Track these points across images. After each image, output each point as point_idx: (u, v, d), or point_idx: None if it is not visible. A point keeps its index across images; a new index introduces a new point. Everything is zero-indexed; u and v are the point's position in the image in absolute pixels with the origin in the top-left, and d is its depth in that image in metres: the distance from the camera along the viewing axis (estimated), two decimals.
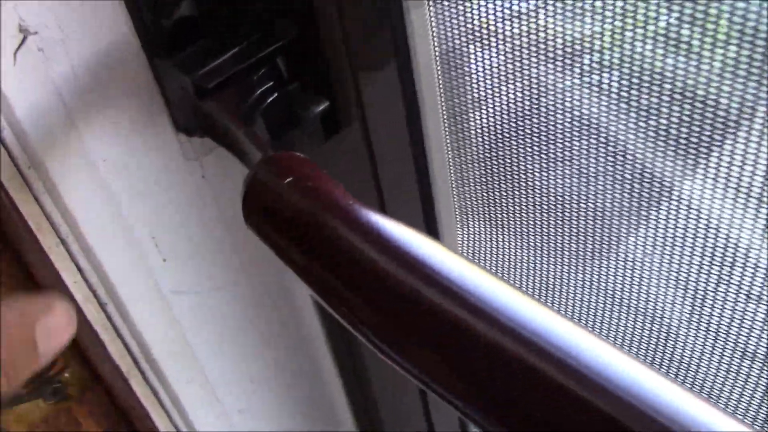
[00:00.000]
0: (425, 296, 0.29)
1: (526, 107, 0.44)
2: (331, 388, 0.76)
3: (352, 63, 0.44)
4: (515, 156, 0.47)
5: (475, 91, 0.46)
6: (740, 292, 0.40)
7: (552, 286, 0.52)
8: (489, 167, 0.49)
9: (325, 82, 0.46)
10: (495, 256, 0.55)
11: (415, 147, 0.50)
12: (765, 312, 0.40)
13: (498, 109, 0.46)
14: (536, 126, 0.44)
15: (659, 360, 0.49)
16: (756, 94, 0.32)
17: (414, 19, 0.44)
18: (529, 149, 0.46)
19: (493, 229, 0.53)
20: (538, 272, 0.53)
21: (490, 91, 0.45)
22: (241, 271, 0.61)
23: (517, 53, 0.42)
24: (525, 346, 0.27)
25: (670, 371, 0.48)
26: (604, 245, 0.46)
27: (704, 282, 0.42)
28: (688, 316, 0.44)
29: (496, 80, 0.44)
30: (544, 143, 0.44)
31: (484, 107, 0.47)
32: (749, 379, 0.44)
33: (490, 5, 0.41)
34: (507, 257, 0.54)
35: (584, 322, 0.52)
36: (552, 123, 0.43)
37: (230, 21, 0.46)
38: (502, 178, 0.49)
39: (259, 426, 0.73)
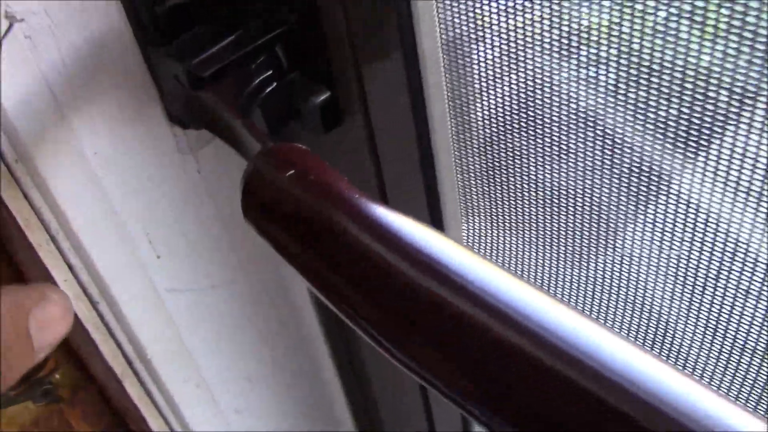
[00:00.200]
0: (440, 295, 0.28)
1: (535, 99, 0.43)
2: (330, 387, 0.76)
3: (355, 51, 0.43)
4: (523, 149, 0.46)
5: (482, 81, 0.45)
6: (740, 287, 0.40)
7: (558, 280, 0.52)
8: (495, 160, 0.48)
9: (326, 71, 0.44)
10: (500, 250, 0.54)
11: (420, 140, 0.48)
12: (764, 307, 0.39)
13: (505, 100, 0.45)
14: (544, 118, 0.43)
15: (666, 356, 0.48)
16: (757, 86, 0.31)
17: (420, 5, 0.43)
18: (537, 142, 0.44)
19: (499, 223, 0.53)
20: (544, 266, 0.52)
21: (497, 82, 0.44)
22: (238, 269, 0.60)
23: (528, 42, 0.40)
24: (541, 345, 0.26)
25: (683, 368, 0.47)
26: (611, 240, 0.46)
27: (714, 279, 0.41)
28: (696, 312, 0.44)
29: (505, 71, 0.43)
30: (552, 136, 0.43)
31: (491, 99, 0.45)
32: (748, 374, 0.43)
33: None
34: (512, 252, 0.53)
35: (592, 316, 0.51)
36: (560, 115, 0.42)
37: (227, 7, 0.44)
38: (509, 171, 0.48)
39: (257, 426, 0.72)
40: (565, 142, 0.43)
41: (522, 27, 0.40)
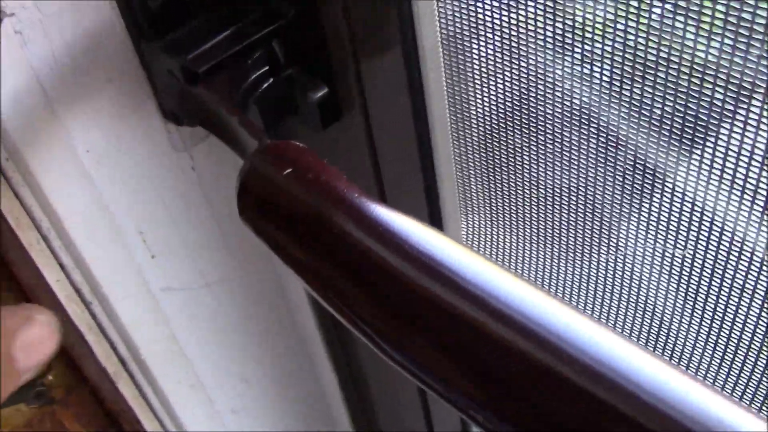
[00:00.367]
0: (440, 295, 0.28)
1: (535, 95, 0.42)
2: (327, 387, 0.75)
3: (353, 46, 0.42)
4: (522, 146, 0.45)
5: (482, 78, 0.44)
6: (735, 282, 0.40)
7: (557, 278, 0.52)
8: (495, 157, 0.48)
9: (324, 66, 0.43)
10: (500, 248, 0.54)
11: (419, 137, 0.48)
12: (760, 303, 0.39)
13: (505, 97, 0.44)
14: (544, 115, 0.43)
15: (666, 356, 0.48)
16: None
17: (420, 2, 0.42)
18: (537, 139, 0.44)
19: (498, 220, 0.52)
20: (544, 263, 0.52)
21: (497, 79, 0.44)
22: (233, 267, 0.59)
23: (529, 38, 0.40)
24: (540, 345, 0.25)
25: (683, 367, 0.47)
26: (610, 237, 0.45)
27: (719, 278, 0.41)
28: (694, 309, 0.44)
29: (505, 67, 0.43)
30: (552, 133, 0.43)
31: (491, 95, 0.45)
32: (746, 371, 0.43)
33: None
34: (511, 249, 0.53)
35: (590, 314, 0.51)
36: (560, 112, 0.42)
37: (222, 0, 0.43)
38: (509, 168, 0.48)
39: (253, 427, 0.71)
40: (565, 139, 0.43)
41: (522, 23, 0.40)
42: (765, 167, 0.33)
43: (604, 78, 0.38)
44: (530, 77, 0.42)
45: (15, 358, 0.30)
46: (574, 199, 0.46)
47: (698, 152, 0.36)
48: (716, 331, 0.43)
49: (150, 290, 0.54)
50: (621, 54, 0.37)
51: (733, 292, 0.40)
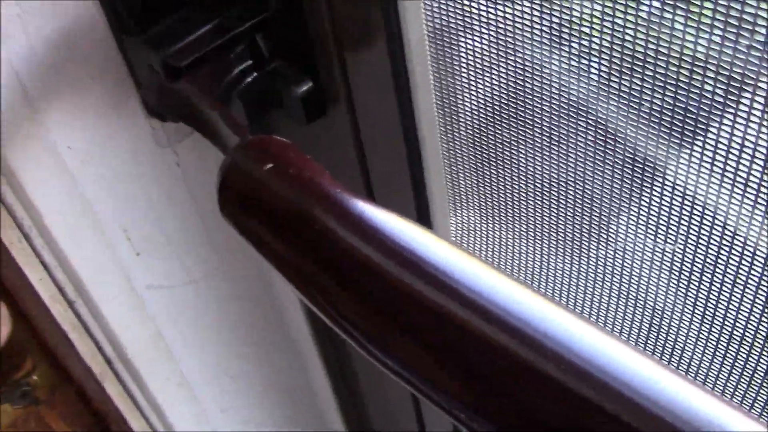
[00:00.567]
0: (424, 293, 0.27)
1: (524, 89, 0.42)
2: (317, 385, 0.75)
3: (338, 39, 0.41)
4: (512, 140, 0.45)
5: (470, 71, 0.44)
6: (727, 275, 0.39)
7: (548, 273, 0.51)
8: (484, 152, 0.47)
9: (308, 60, 0.43)
10: (489, 243, 0.53)
11: (406, 131, 0.47)
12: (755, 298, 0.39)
13: (494, 91, 0.44)
14: (534, 109, 0.42)
15: (658, 350, 0.48)
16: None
17: None
18: (527, 133, 0.44)
19: (488, 216, 0.52)
20: (533, 260, 0.52)
21: (485, 73, 0.43)
22: (219, 264, 0.59)
23: (518, 31, 0.39)
24: (525, 343, 0.25)
25: (668, 361, 0.47)
26: (601, 232, 0.45)
27: (710, 270, 0.40)
28: (688, 306, 0.43)
29: (493, 60, 0.42)
30: (542, 127, 0.43)
31: (479, 89, 0.44)
32: (737, 370, 0.43)
33: None
34: (501, 244, 0.53)
35: (579, 310, 0.51)
36: (550, 106, 0.42)
37: None
38: (498, 163, 0.47)
39: (242, 425, 0.71)
40: (555, 133, 0.43)
41: (511, 16, 0.40)
42: (755, 158, 0.33)
43: (592, 71, 0.38)
44: (519, 70, 0.41)
45: None
46: (565, 194, 0.45)
47: (688, 145, 0.36)
48: (708, 324, 0.43)
49: (135, 288, 0.53)
50: (608, 47, 0.36)
51: (724, 286, 0.40)
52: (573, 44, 0.38)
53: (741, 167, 0.34)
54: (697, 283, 0.41)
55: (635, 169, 0.40)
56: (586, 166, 0.42)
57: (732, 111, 0.33)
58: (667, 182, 0.39)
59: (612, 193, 0.42)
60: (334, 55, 0.42)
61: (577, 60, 0.38)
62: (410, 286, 0.27)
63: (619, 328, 0.48)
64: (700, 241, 0.39)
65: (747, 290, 0.38)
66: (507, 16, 0.39)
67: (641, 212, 0.41)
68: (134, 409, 0.60)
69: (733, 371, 0.43)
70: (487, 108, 0.45)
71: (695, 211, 0.38)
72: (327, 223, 0.30)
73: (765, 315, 0.38)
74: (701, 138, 0.35)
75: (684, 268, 0.41)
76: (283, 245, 0.31)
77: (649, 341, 0.47)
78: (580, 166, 0.43)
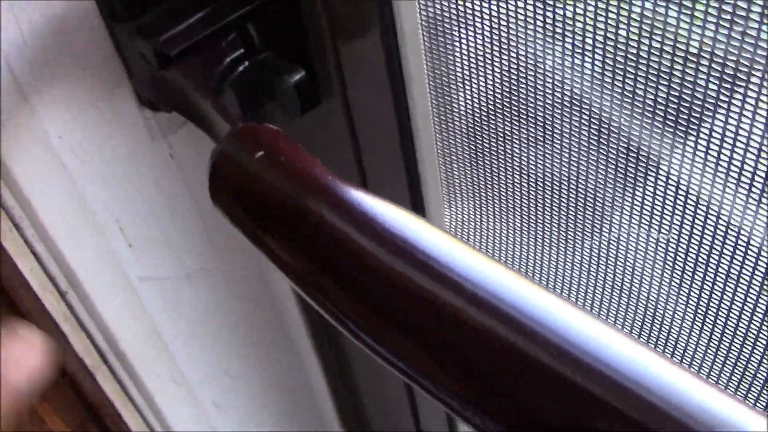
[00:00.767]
0: (419, 284, 0.27)
1: (519, 82, 0.42)
2: (314, 382, 0.74)
3: (332, 28, 0.41)
4: (507, 132, 0.45)
5: (464, 63, 0.44)
6: (720, 268, 0.39)
7: (543, 265, 0.51)
8: (479, 144, 0.47)
9: (301, 49, 0.42)
10: (484, 235, 0.53)
11: (400, 121, 0.47)
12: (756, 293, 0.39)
13: (489, 83, 0.44)
14: (528, 102, 0.42)
15: (652, 341, 0.48)
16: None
17: None
18: (522, 125, 0.44)
19: (483, 207, 0.52)
20: (527, 251, 0.52)
21: (480, 64, 0.43)
22: (214, 257, 0.58)
23: (513, 22, 0.39)
24: (526, 336, 0.25)
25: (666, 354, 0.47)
26: (595, 224, 0.45)
27: (703, 264, 0.40)
28: (684, 298, 0.43)
29: (487, 52, 0.42)
30: (537, 120, 0.42)
31: (474, 81, 0.44)
32: (738, 363, 0.43)
33: None
34: (496, 236, 0.52)
35: (576, 302, 0.50)
36: (545, 99, 0.41)
37: None
38: (493, 155, 0.47)
39: (239, 424, 0.71)
40: (549, 125, 0.42)
41: (505, 8, 0.39)
42: (749, 148, 0.33)
43: (586, 63, 0.38)
44: (514, 62, 0.41)
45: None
46: (559, 186, 0.45)
47: (681, 138, 0.36)
48: (702, 316, 0.42)
49: (128, 280, 0.53)
50: (603, 39, 0.36)
51: (719, 277, 0.40)
52: (567, 36, 0.38)
53: (735, 158, 0.34)
54: (691, 274, 0.41)
55: (629, 160, 0.40)
56: (580, 158, 0.42)
57: (725, 102, 0.33)
58: (661, 174, 0.39)
59: (606, 185, 0.42)
60: (328, 45, 0.42)
61: (571, 51, 0.38)
62: (407, 278, 0.27)
63: (613, 318, 0.48)
64: (694, 232, 0.39)
65: (741, 281, 0.38)
66: (501, 7, 0.39)
67: (635, 204, 0.41)
68: (129, 404, 0.59)
69: (727, 362, 0.43)
70: (482, 100, 0.45)
71: (689, 203, 0.38)
72: (318, 210, 0.29)
73: (760, 306, 0.38)
74: (695, 129, 0.35)
75: (678, 258, 0.41)
76: (274, 235, 0.31)
77: (643, 332, 0.47)
78: (575, 158, 0.43)
